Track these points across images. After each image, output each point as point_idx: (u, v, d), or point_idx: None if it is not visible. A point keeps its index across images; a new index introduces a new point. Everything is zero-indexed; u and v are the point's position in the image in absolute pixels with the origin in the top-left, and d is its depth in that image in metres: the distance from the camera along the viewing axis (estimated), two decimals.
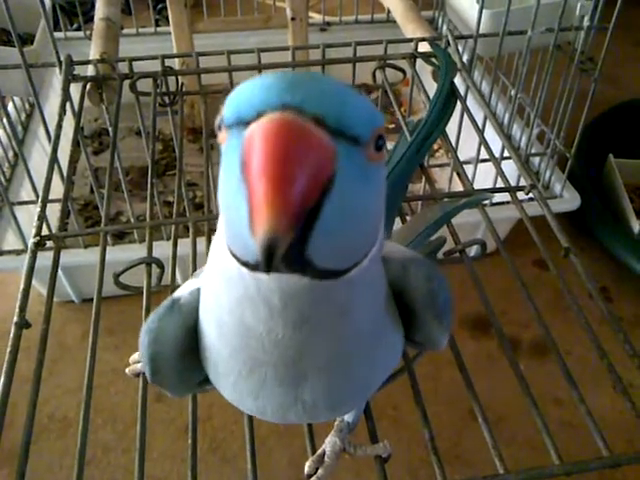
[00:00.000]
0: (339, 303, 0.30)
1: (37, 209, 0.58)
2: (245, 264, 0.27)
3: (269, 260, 0.22)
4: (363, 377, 0.37)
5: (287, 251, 0.22)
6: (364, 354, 0.35)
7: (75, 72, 0.76)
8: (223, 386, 0.38)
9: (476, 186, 0.68)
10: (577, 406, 0.45)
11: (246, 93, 0.24)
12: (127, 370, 0.52)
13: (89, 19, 1.50)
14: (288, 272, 0.26)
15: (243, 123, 0.24)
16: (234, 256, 0.28)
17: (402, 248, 0.43)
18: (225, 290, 0.31)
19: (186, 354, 0.38)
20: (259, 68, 0.79)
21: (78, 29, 1.59)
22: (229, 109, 0.25)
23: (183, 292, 0.39)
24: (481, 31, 0.90)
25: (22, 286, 0.52)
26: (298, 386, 0.34)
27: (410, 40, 0.83)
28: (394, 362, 0.40)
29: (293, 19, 1.30)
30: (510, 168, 0.79)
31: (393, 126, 1.43)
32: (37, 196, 0.89)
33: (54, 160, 0.64)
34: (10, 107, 1.17)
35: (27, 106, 1.26)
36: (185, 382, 0.40)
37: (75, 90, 0.75)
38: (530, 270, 1.13)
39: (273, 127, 0.22)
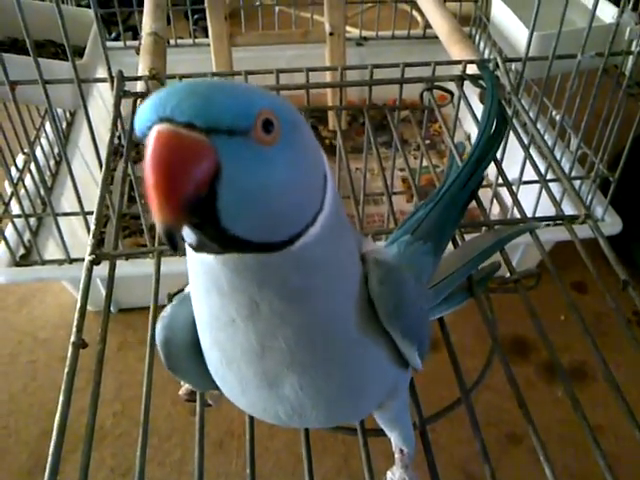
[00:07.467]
0: (290, 285, 0.31)
1: (92, 226, 0.58)
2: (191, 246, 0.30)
3: (172, 243, 0.26)
4: (346, 380, 0.37)
5: (206, 229, 0.27)
6: (339, 354, 0.35)
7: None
8: (218, 382, 0.39)
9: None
10: (619, 436, 0.44)
11: (140, 112, 0.27)
12: (180, 392, 0.52)
13: (126, 28, 1.52)
14: (220, 249, 0.29)
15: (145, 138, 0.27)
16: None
17: (381, 249, 0.42)
18: (194, 278, 0.33)
19: (198, 344, 0.38)
20: (307, 87, 0.80)
21: (116, 38, 1.61)
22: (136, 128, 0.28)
23: None
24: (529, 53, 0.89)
25: (78, 304, 0.52)
26: (277, 383, 0.35)
27: (458, 62, 0.83)
28: (387, 375, 0.39)
29: (331, 34, 1.31)
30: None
31: (428, 142, 1.43)
32: (81, 208, 0.90)
33: (107, 179, 0.64)
34: None
35: (68, 115, 1.27)
36: (202, 375, 0.40)
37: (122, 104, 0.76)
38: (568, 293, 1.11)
39: (150, 140, 0.26)
